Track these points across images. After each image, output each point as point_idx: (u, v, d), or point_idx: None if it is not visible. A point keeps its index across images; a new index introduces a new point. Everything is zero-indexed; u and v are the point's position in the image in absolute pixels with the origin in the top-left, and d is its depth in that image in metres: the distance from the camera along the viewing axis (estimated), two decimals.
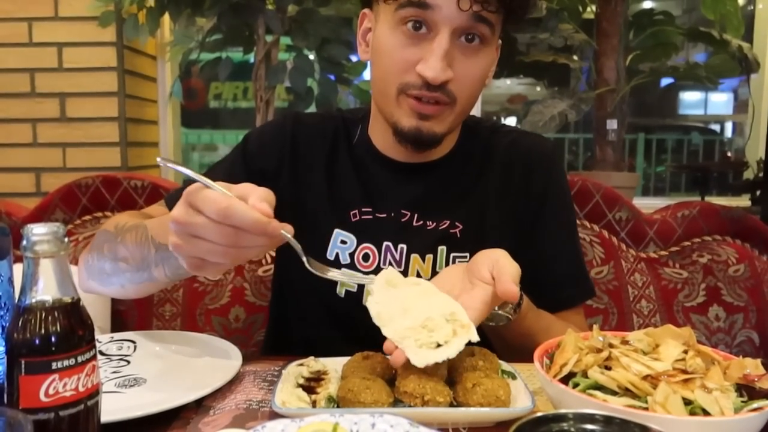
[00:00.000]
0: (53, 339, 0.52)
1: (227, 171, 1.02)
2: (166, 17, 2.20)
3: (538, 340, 0.77)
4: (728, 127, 5.32)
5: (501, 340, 0.90)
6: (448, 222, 0.99)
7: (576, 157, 4.70)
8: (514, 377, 0.75)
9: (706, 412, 0.57)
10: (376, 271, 0.97)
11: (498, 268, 0.76)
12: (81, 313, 0.55)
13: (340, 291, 0.99)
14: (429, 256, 0.98)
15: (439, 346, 0.69)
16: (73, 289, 0.55)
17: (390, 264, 0.98)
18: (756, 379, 0.62)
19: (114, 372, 0.82)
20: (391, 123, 0.93)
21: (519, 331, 0.88)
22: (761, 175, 2.24)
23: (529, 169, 1.03)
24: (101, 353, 0.88)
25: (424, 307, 0.73)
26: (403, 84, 0.88)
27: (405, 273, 0.97)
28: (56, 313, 0.53)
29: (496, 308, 0.83)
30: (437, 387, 0.68)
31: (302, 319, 1.06)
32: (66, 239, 0.54)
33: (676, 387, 0.59)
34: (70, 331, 0.53)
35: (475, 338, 0.70)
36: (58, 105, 2.27)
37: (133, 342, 0.93)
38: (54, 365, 0.52)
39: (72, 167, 2.28)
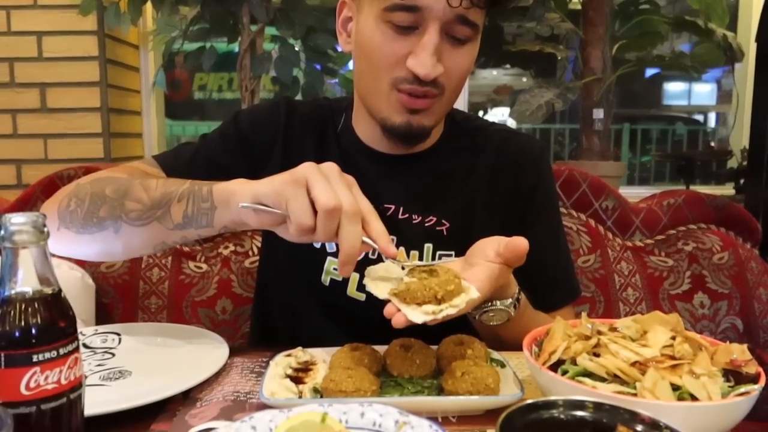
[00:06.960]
0: (34, 331, 0.51)
1: (220, 143, 1.01)
2: (149, 6, 2.17)
3: None
4: (711, 117, 5.37)
5: (498, 340, 0.87)
6: (434, 219, 0.98)
7: (562, 147, 4.72)
8: (503, 365, 0.75)
9: (694, 398, 0.57)
10: (364, 260, 0.96)
11: (506, 241, 0.75)
12: (62, 305, 0.54)
13: (325, 279, 0.98)
14: (414, 253, 0.97)
15: (439, 303, 0.67)
16: (54, 279, 0.54)
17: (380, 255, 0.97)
18: (742, 364, 0.62)
19: (98, 365, 0.81)
20: (379, 119, 0.92)
21: (517, 329, 0.85)
22: (745, 163, 2.26)
23: (519, 169, 1.02)
24: (85, 346, 0.87)
25: None
26: (394, 79, 0.87)
27: None
28: (37, 305, 0.52)
29: (497, 302, 0.82)
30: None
31: (287, 309, 1.05)
32: (45, 229, 0.53)
33: (665, 373, 0.59)
34: (51, 323, 0.52)
35: (476, 294, 0.69)
36: (38, 95, 2.23)
37: (118, 334, 0.92)
38: (35, 358, 0.51)
39: (54, 159, 2.24)
